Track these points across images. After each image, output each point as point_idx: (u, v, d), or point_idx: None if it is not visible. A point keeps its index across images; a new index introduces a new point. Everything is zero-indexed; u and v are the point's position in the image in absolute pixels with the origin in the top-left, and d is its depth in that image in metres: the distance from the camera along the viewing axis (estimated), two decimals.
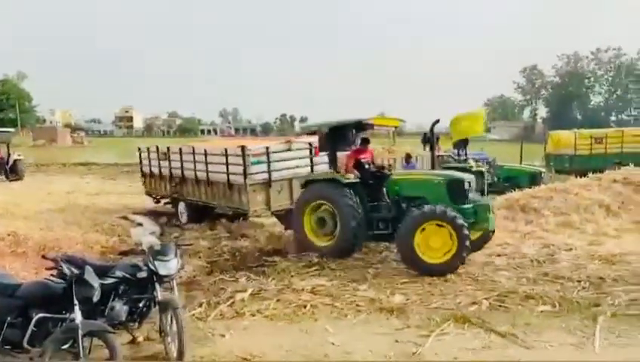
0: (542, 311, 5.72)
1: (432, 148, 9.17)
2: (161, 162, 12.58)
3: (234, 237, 9.87)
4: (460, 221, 7.00)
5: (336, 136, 8.38)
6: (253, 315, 5.71)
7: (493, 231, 8.08)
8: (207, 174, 10.80)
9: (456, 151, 15.14)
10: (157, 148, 12.80)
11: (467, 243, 7.00)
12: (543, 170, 16.67)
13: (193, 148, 11.40)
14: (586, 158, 20.21)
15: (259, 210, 10.07)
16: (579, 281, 6.64)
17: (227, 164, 10.16)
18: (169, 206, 12.82)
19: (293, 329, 5.37)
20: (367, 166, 8.42)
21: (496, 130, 59.08)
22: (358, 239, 7.89)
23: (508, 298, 6.13)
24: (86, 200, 14.76)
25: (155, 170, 12.88)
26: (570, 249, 8.29)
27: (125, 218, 11.90)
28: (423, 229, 7.10)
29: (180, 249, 4.96)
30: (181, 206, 11.94)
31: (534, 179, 14.55)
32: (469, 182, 7.77)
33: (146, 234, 10.19)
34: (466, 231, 7.01)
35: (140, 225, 11.33)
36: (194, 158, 11.24)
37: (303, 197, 8.43)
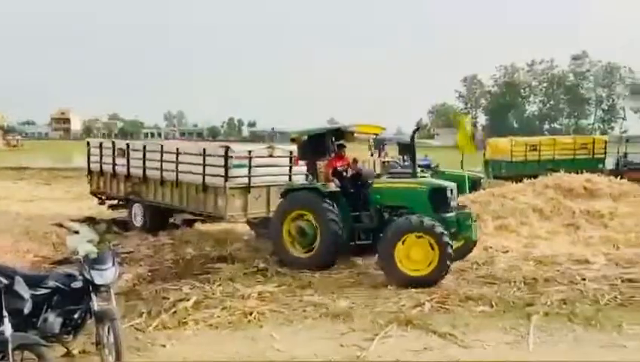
0: (480, 312, 5.94)
1: (413, 156, 8.66)
2: (116, 159, 11.54)
3: (177, 244, 9.62)
4: (439, 230, 6.83)
5: (315, 144, 8.23)
6: (197, 324, 5.58)
7: (476, 241, 7.98)
8: (177, 174, 10.10)
9: (401, 157, 15.48)
10: (113, 143, 11.86)
11: (449, 252, 6.82)
12: (483, 175, 17.37)
13: (162, 145, 10.74)
14: (522, 165, 21.17)
15: (235, 216, 9.61)
16: (514, 282, 6.96)
17: (204, 164, 9.53)
18: (115, 208, 12.07)
19: (238, 337, 5.29)
20: (344, 173, 8.23)
21: (439, 137, 61.04)
22: (339, 250, 7.72)
23: (449, 299, 6.33)
24: (18, 206, 13.94)
25: (108, 168, 11.80)
26: (507, 251, 8.69)
27: (60, 225, 11.31)
28: (404, 241, 6.93)
29: (118, 257, 4.79)
30: (136, 208, 11.08)
31: (475, 185, 15.11)
32: (452, 190, 7.66)
33: (83, 242, 9.74)
34: (447, 240, 6.82)
35: (77, 232, 10.81)
36: (161, 157, 10.47)
37: (282, 207, 8.17)
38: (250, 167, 9.49)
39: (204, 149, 9.69)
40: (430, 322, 5.58)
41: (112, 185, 11.86)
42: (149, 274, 7.67)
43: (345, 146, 8.68)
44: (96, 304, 4.36)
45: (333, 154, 8.38)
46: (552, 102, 77.77)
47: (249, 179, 9.52)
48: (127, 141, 12.04)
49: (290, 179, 9.93)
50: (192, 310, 5.94)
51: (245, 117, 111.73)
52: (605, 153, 21.54)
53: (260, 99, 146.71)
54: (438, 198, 7.46)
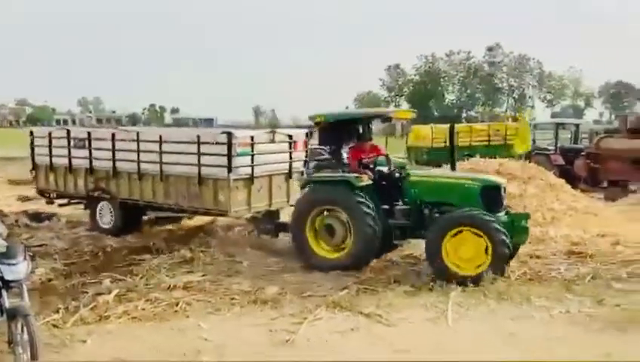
0: (404, 292, 6.20)
1: (452, 149, 8.28)
2: (73, 151, 9.82)
3: (97, 236, 9.16)
4: (501, 236, 6.15)
5: (341, 129, 7.58)
6: (119, 318, 5.36)
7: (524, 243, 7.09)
8: (161, 166, 8.73)
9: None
10: (68, 132, 10.04)
11: (504, 259, 6.27)
12: (406, 161, 17.99)
13: (138, 133, 9.22)
14: (442, 151, 22.12)
15: (240, 212, 8.45)
16: None
17: (199, 153, 8.23)
18: (65, 206, 10.53)
19: (164, 329, 5.16)
20: (371, 166, 7.49)
21: None
22: (374, 251, 7.04)
23: (374, 281, 6.56)
24: None
25: (61, 162, 10.01)
26: None
27: None
28: (457, 234, 6.38)
29: (29, 250, 4.49)
30: (103, 207, 9.56)
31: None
32: (504, 188, 7.06)
33: None
34: (506, 249, 6.20)
35: None
36: (138, 146, 8.96)
37: (305, 201, 7.36)
38: (253, 155, 8.38)
39: (198, 136, 8.41)
40: (357, 304, 5.74)
41: (68, 182, 10.04)
42: (66, 268, 7.26)
43: (371, 138, 8.08)
44: (7, 300, 4.07)
45: (354, 143, 7.68)
46: (469, 91, 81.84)
47: (252, 169, 8.36)
48: (89, 129, 10.45)
49: (290, 167, 9.02)
50: (113, 304, 5.69)
51: (168, 104, 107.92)
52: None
53: (182, 86, 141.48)
54: (490, 196, 6.72)
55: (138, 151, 8.95)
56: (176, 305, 5.69)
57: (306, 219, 7.19)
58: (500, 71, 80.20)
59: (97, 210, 9.62)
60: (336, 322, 5.32)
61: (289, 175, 8.94)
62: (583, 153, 15.79)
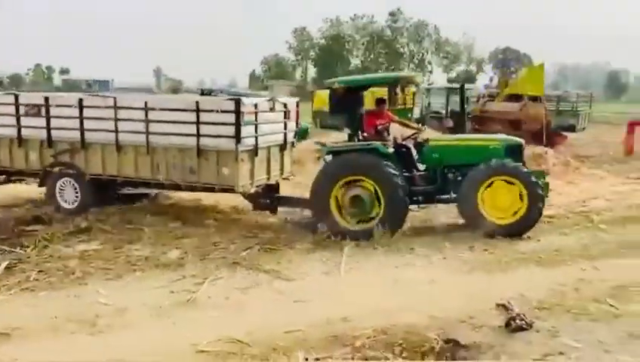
0: (303, 248, 6.59)
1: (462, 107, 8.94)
2: (24, 120, 8.45)
3: None
4: (534, 179, 6.59)
5: (356, 95, 7.43)
6: (10, 289, 5.21)
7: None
8: (148, 137, 7.72)
9: None
10: (16, 97, 8.56)
11: (540, 204, 6.60)
12: (310, 125, 18.35)
13: (115, 99, 8.02)
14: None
15: (245, 186, 7.74)
16: None
17: (198, 122, 7.44)
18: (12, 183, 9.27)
19: (60, 297, 5.09)
20: (385, 133, 7.52)
21: (272, 89, 61.80)
22: (405, 218, 6.99)
23: (276, 240, 6.88)
24: None
25: (9, 132, 8.56)
26: None
27: None
28: (491, 184, 6.67)
29: None
30: (65, 184, 8.32)
31: (304, 134, 15.97)
32: (522, 145, 7.36)
33: None
34: (540, 191, 6.59)
35: None
36: (115, 114, 7.85)
37: (329, 171, 7.09)
38: (256, 124, 7.75)
39: (197, 102, 7.60)
40: (257, 262, 6.03)
41: (15, 156, 8.65)
42: None
43: (385, 101, 8.06)
44: None
45: (365, 110, 7.67)
46: (372, 56, 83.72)
47: (256, 140, 7.74)
48: (47, 93, 8.99)
49: (285, 137, 8.51)
50: (2, 276, 5.50)
51: (56, 64, 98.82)
52: (414, 103, 24.29)
53: (72, 44, 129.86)
54: (514, 155, 7.03)
55: (116, 120, 7.85)
56: (72, 274, 5.61)
57: (330, 191, 6.99)
58: (401, 36, 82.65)
59: (57, 187, 8.36)
60: (236, 280, 5.57)
61: (284, 145, 8.52)
62: (469, 115, 17.11)
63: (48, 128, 8.28)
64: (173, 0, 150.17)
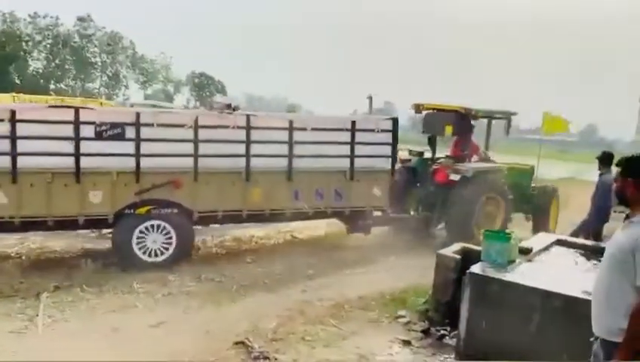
0: None
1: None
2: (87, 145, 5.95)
3: None
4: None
5: (442, 118, 8.15)
6: None
7: None
8: (290, 161, 6.92)
9: None
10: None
11: None
12: None
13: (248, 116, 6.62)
14: None
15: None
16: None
17: (353, 143, 7.28)
18: None
19: None
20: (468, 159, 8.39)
21: None
22: None
23: None
24: None
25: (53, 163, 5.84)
26: None
27: None
28: None
29: None
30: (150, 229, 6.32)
31: None
32: None
33: None
34: None
35: None
36: (248, 137, 6.70)
37: (476, 191, 7.80)
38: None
39: (353, 122, 7.26)
40: None
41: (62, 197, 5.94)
42: None
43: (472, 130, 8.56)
44: None
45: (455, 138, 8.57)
46: (57, 61, 74.67)
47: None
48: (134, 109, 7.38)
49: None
50: None
51: None
52: None
53: None
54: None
55: (248, 143, 6.66)
56: None
57: (475, 208, 7.75)
58: (91, 45, 76.62)
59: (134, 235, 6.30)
60: None
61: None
62: None
63: (138, 155, 6.16)
64: None
